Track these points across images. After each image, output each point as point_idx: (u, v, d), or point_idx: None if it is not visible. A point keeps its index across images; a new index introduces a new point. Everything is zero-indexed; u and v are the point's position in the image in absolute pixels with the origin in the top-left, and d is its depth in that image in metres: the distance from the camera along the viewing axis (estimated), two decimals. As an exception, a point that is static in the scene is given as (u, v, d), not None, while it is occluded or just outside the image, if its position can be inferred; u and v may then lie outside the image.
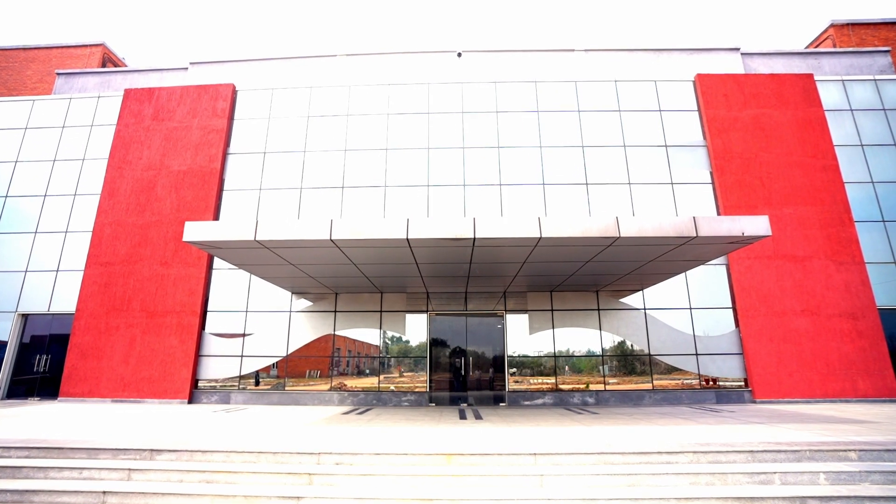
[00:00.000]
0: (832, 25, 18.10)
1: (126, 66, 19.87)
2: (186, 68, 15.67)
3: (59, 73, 16.98)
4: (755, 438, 5.75)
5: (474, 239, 7.18)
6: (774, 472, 4.66)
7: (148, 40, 70.05)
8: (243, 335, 12.26)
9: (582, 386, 11.66)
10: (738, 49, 15.21)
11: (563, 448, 5.30)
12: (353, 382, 11.92)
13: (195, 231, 7.42)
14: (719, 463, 4.99)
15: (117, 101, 14.64)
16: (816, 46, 18.37)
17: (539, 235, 7.08)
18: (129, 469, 4.93)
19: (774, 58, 15.40)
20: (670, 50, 15.13)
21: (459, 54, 15.31)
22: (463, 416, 8.89)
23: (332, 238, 7.20)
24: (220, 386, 11.98)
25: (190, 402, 11.76)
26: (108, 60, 19.67)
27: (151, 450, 5.31)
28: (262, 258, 8.48)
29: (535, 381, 11.75)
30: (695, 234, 7.10)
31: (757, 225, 7.12)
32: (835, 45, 17.83)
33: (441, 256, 8.37)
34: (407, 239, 7.16)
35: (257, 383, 11.94)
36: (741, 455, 5.04)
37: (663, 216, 7.15)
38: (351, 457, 5.18)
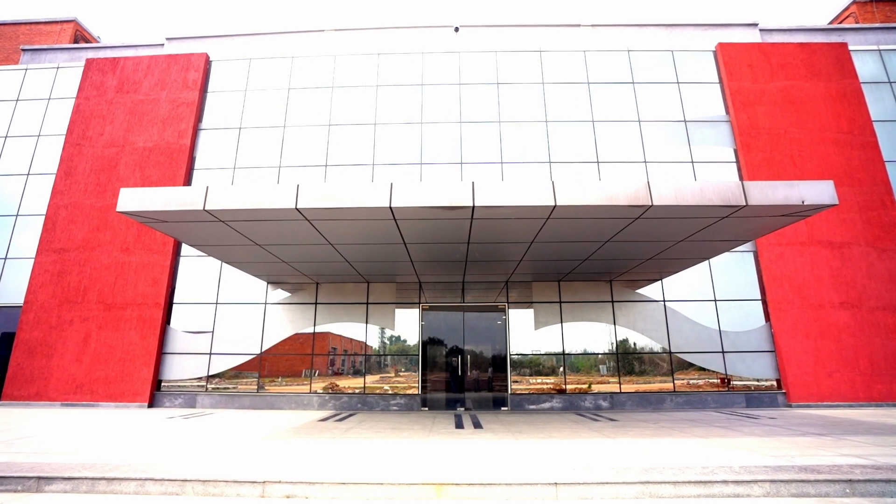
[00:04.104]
0: (854, 2, 16.94)
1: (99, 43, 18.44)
2: (162, 44, 14.25)
3: (24, 49, 15.52)
4: (838, 459, 4.43)
5: (473, 208, 5.83)
6: (894, 513, 3.34)
7: (125, 18, 67.97)
8: (212, 330, 10.87)
9: (594, 387, 10.34)
10: (756, 25, 13.91)
11: (591, 473, 3.97)
12: (335, 383, 10.55)
13: (132, 199, 6.05)
14: (808, 497, 3.66)
15: (79, 73, 13.23)
16: (839, 23, 17.14)
17: (553, 203, 5.74)
18: (-3, 506, 3.57)
19: (795, 34, 14.10)
20: (683, 25, 13.83)
21: (457, 29, 13.95)
22: (459, 424, 7.55)
23: (299, 207, 5.85)
24: (186, 387, 10.60)
25: (151, 405, 10.38)
26: (81, 38, 18.24)
27: (39, 477, 3.95)
28: (220, 236, 7.11)
29: (542, 381, 10.42)
30: (743, 203, 5.78)
31: (820, 191, 5.81)
32: (857, 23, 16.62)
33: (433, 233, 7.02)
34: (390, 208, 5.81)
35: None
36: (836, 486, 3.71)
37: (704, 181, 5.85)
38: (307, 487, 3.83)
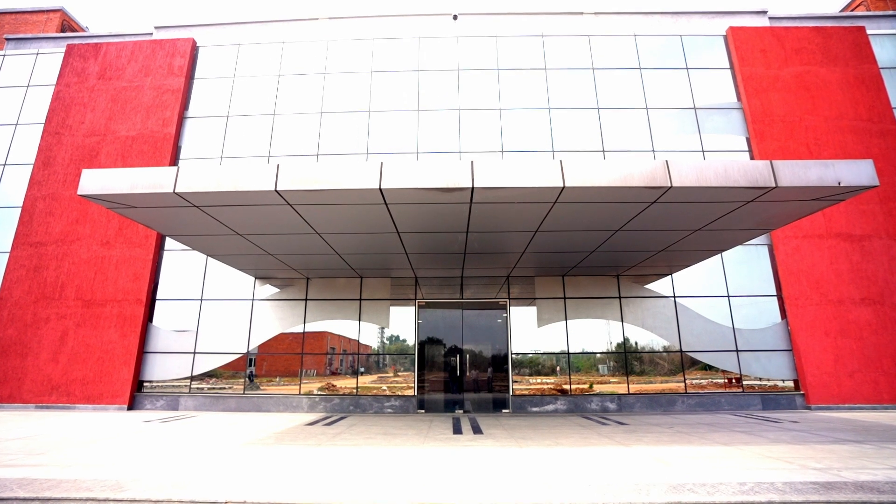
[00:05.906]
0: (867, -11, 16.27)
1: (87, 32, 17.83)
2: (151, 34, 13.61)
3: (8, 39, 14.88)
4: (893, 473, 3.85)
5: (472, 190, 5.24)
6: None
7: (114, 9, 66.62)
8: (197, 328, 10.28)
9: (600, 388, 9.75)
10: (765, 12, 13.29)
11: (611, 493, 3.39)
12: (328, 384, 9.97)
13: (95, 180, 5.46)
14: (872, 521, 3.08)
15: (59, 60, 12.62)
16: (851, 11, 16.57)
17: (561, 185, 5.15)
18: None
19: (806, 22, 13.50)
20: (690, 13, 13.22)
21: (455, 17, 13.33)
22: (458, 429, 6.96)
23: (279, 189, 5.26)
24: (168, 388, 10.00)
25: (131, 407, 9.78)
26: (68, 27, 17.64)
27: (-38, 496, 3.36)
28: (197, 224, 6.52)
29: (545, 382, 9.84)
30: (773, 185, 5.20)
31: (858, 171, 5.23)
32: (869, 10, 16.05)
33: (429, 221, 6.43)
34: (380, 189, 5.22)
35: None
36: (903, 507, 3.14)
37: (728, 160, 5.29)
38: (276, 508, 3.25)
